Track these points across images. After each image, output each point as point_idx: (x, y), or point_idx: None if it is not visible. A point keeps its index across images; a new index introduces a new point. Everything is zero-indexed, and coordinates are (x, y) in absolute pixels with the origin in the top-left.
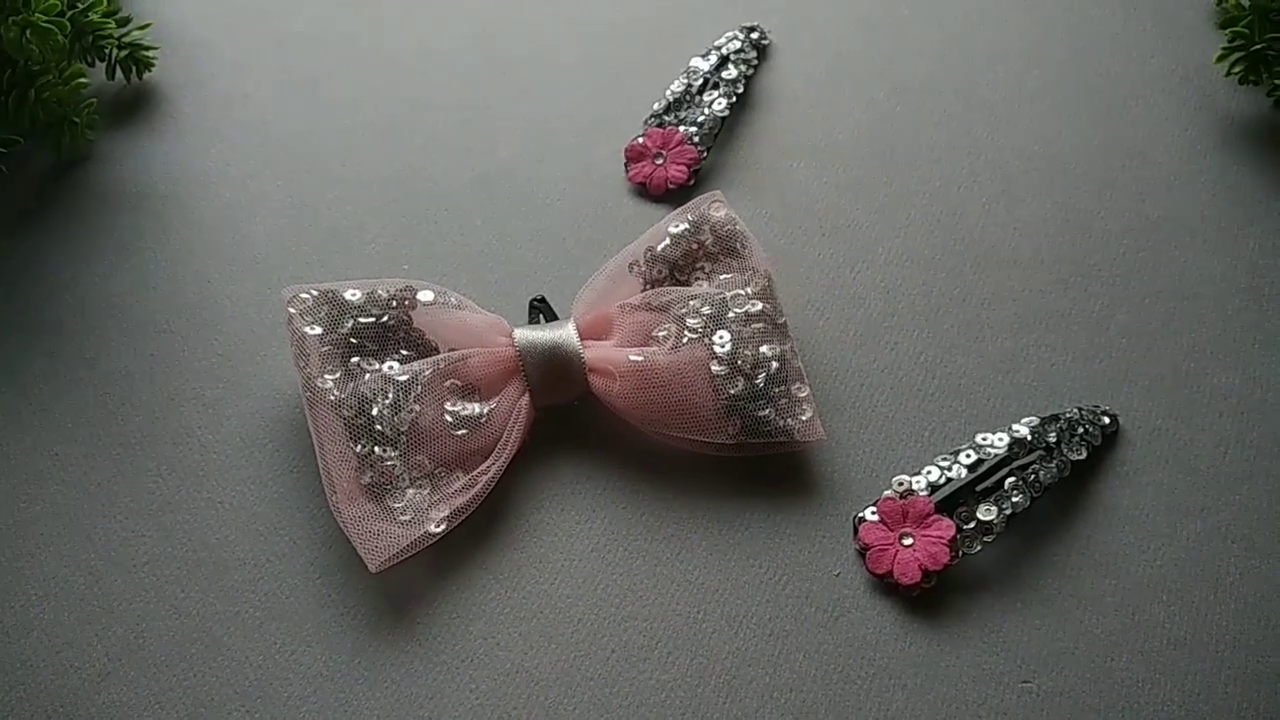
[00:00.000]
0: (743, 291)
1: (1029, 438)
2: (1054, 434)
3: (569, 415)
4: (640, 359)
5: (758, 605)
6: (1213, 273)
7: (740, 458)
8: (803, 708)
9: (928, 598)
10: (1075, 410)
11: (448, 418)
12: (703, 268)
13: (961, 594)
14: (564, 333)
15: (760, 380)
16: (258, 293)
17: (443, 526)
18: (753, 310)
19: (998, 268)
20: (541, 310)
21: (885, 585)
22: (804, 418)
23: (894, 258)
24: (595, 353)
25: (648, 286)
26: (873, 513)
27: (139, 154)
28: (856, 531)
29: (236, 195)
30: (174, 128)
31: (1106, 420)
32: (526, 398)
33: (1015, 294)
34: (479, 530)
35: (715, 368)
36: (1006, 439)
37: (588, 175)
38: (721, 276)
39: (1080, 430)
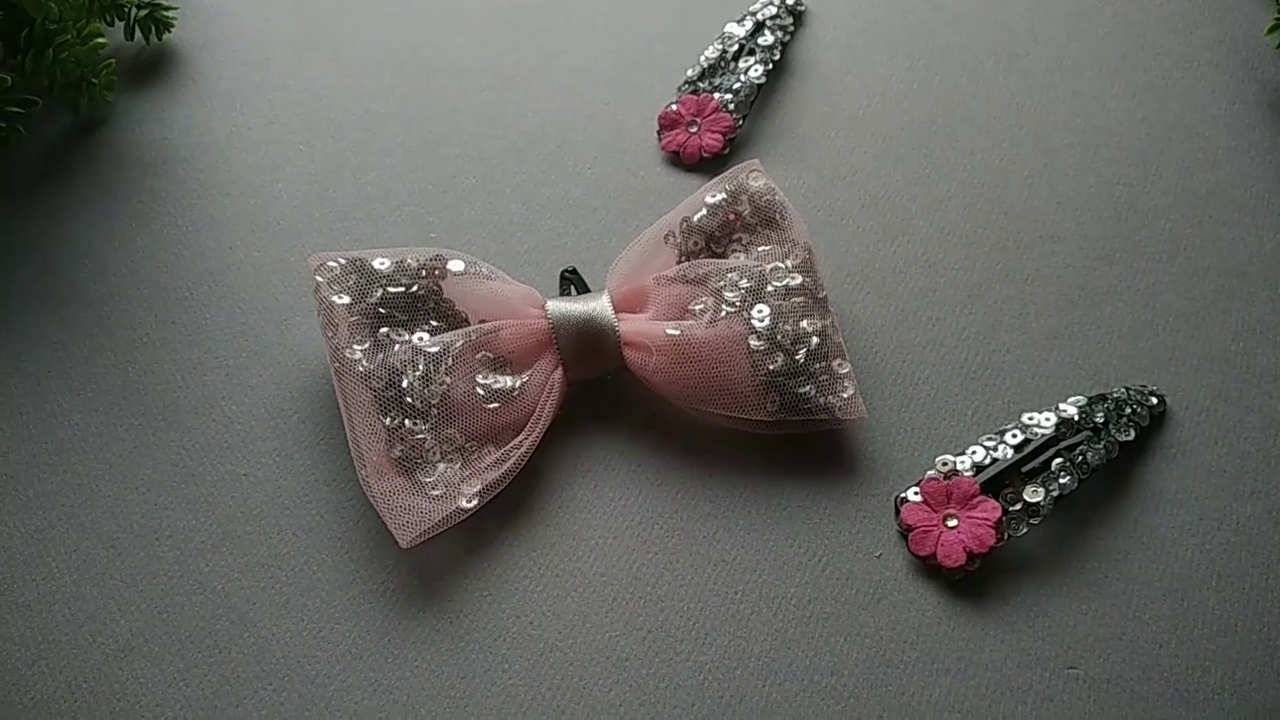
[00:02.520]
0: (782, 264)
1: (1076, 418)
2: (1101, 414)
3: (603, 389)
4: (677, 332)
5: (797, 586)
6: (1262, 249)
7: (779, 435)
8: (843, 692)
9: (971, 581)
10: (1123, 390)
11: (479, 390)
12: (740, 239)
13: (1006, 577)
14: (598, 305)
15: (800, 356)
16: (281, 260)
17: (474, 502)
18: (793, 284)
19: (1041, 243)
20: (573, 281)
21: (928, 567)
22: (845, 395)
23: (935, 231)
24: (630, 326)
25: (683, 258)
26: (915, 493)
27: (158, 117)
28: (899, 512)
29: (259, 160)
30: (194, 90)
31: (1154, 401)
32: (559, 371)
33: (1059, 270)
34: (511, 506)
35: (754, 342)
36: (1053, 419)
37: (620, 143)
38: (760, 248)
39: (1128, 411)
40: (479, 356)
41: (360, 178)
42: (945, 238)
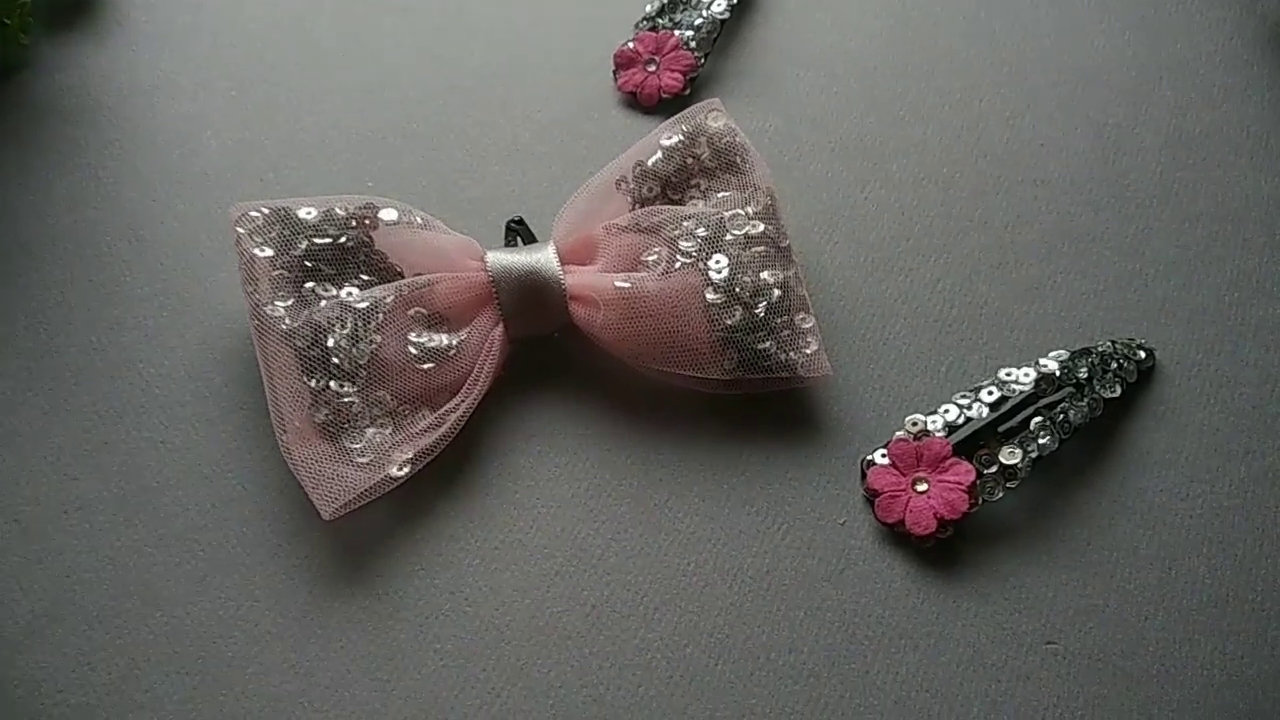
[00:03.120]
0: (742, 211)
1: (1058, 373)
2: (1085, 369)
3: (547, 348)
4: (627, 285)
5: (754, 557)
6: (1259, 193)
7: (737, 395)
8: (802, 670)
9: (943, 549)
10: (1108, 343)
11: (412, 350)
12: (698, 185)
13: (980, 545)
14: (542, 256)
15: (760, 309)
16: (207, 212)
17: (406, 469)
18: (753, 232)
19: (1023, 187)
20: (519, 232)
21: (896, 535)
22: (808, 351)
23: (910, 176)
24: (577, 278)
25: (637, 206)
26: (883, 455)
27: (79, 62)
28: (865, 476)
29: (187, 107)
30: (119, 33)
31: (1142, 355)
32: (500, 328)
33: (1042, 216)
34: (446, 474)
35: (710, 295)
36: (1033, 374)
37: (573, 83)
38: (719, 194)
39: (1114, 365)
40: (412, 313)
41: (295, 125)
42: (920, 183)
